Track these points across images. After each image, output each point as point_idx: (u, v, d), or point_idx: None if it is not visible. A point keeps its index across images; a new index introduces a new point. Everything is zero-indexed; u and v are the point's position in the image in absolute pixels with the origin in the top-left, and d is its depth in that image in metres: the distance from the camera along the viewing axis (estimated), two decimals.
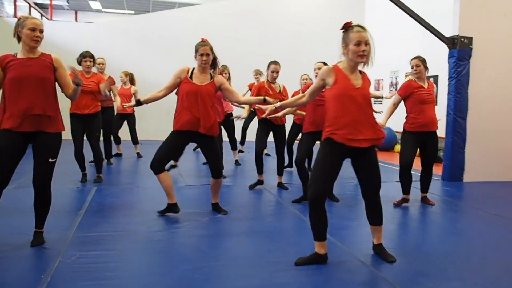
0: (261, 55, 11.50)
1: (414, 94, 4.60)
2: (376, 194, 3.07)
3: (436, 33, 6.29)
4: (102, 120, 5.79)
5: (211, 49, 4.02)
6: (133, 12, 20.73)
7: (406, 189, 4.76)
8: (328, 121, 2.95)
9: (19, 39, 3.16)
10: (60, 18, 20.04)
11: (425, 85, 4.67)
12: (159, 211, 4.15)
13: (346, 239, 3.58)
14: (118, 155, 7.83)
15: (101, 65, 6.62)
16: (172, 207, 4.10)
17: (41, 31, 3.15)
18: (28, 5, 13.27)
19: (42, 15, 14.73)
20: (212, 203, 4.34)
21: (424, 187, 4.90)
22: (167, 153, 4.01)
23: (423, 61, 4.66)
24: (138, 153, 7.92)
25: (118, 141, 7.71)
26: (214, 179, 4.18)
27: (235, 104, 5.52)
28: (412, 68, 4.69)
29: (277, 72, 5.38)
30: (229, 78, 6.33)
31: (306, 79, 6.38)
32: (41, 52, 3.21)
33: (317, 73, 4.60)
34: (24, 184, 4.78)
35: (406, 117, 4.75)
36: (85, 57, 5.44)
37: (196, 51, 3.99)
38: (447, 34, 6.35)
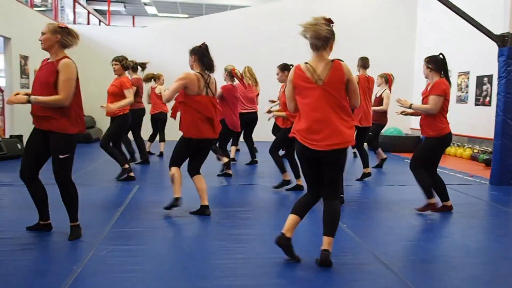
0: (309, 56, 11.53)
1: None
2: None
3: (485, 30, 5.99)
4: (132, 121, 6.11)
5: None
6: (187, 15, 21.35)
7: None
8: None
9: None
10: (118, 23, 21.10)
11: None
12: (191, 212, 4.28)
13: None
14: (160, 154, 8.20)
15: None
16: (204, 209, 4.24)
17: (43, 33, 3.35)
18: (87, 11, 14.03)
19: (100, 21, 15.53)
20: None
21: None
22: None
23: (429, 61, 4.43)
24: (161, 152, 8.20)
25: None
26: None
27: None
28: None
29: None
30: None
31: None
32: (62, 56, 3.36)
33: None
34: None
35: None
36: (112, 60, 5.80)
37: None
38: (497, 31, 6.03)
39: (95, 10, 20.27)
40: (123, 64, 5.82)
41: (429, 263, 3.14)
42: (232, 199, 5.00)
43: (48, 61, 3.41)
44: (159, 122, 7.93)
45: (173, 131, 6.04)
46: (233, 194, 5.27)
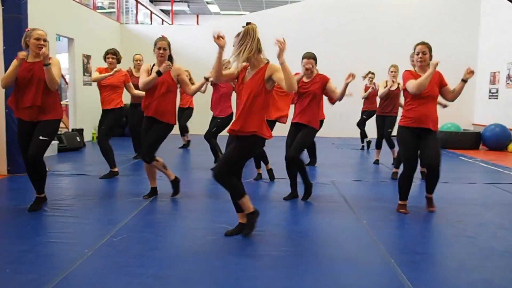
0: (366, 49, 11.27)
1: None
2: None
3: None
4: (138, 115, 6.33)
5: (168, 44, 4.37)
6: (248, 12, 21.59)
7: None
8: None
9: (27, 46, 3.93)
10: (183, 22, 21.84)
11: None
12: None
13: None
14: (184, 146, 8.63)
15: (138, 61, 7.06)
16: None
17: (45, 40, 3.90)
18: (149, 12, 14.69)
19: (163, 20, 16.19)
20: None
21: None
22: None
23: (430, 48, 4.09)
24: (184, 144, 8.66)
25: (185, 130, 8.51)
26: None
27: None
28: (418, 54, 4.08)
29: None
30: None
31: (394, 71, 6.35)
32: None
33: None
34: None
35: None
36: (108, 53, 5.80)
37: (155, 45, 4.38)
38: None
39: (161, 10, 21.17)
40: (118, 58, 5.91)
41: (439, 263, 2.97)
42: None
43: (34, 61, 3.93)
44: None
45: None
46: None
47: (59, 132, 8.28)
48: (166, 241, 3.37)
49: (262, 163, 5.69)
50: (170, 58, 4.42)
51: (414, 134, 4.12)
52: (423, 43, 4.13)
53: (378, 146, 6.93)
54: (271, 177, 5.64)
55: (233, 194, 3.31)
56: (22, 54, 3.85)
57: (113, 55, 5.79)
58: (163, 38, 4.43)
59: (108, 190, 5.07)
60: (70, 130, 8.84)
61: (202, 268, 2.84)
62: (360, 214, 4.10)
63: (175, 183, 4.63)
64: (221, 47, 3.18)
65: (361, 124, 8.43)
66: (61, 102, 10.85)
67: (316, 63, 4.61)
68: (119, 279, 2.61)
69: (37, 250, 3.08)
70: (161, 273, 2.72)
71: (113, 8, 14.61)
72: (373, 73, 7.93)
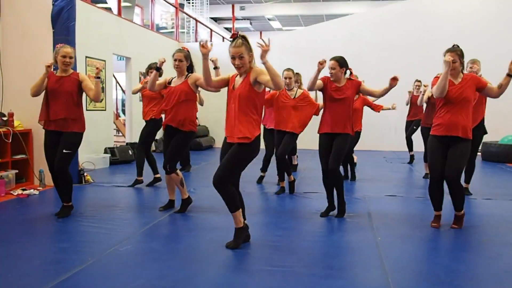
0: (418, 60, 10.77)
1: None
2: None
3: None
4: None
5: (185, 56, 4.45)
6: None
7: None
8: None
9: (56, 62, 4.27)
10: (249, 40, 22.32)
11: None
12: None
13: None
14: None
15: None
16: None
17: (71, 57, 4.26)
18: (209, 30, 15.23)
19: (223, 38, 16.68)
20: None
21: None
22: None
23: (461, 55, 3.85)
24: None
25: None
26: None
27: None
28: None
29: (289, 79, 5.42)
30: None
31: (418, 85, 6.08)
32: (72, 71, 4.38)
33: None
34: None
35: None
36: (151, 68, 5.99)
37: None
38: None
39: (225, 28, 21.86)
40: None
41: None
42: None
43: (62, 75, 4.34)
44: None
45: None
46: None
47: (113, 146, 8.85)
48: (171, 252, 3.41)
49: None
50: (191, 68, 4.52)
51: (442, 143, 3.88)
52: (451, 50, 3.91)
53: (426, 159, 6.54)
54: (291, 189, 5.52)
55: (229, 204, 3.30)
56: (49, 62, 4.22)
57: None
58: (180, 50, 4.55)
59: (138, 200, 5.28)
60: (125, 142, 9.38)
61: (196, 280, 2.85)
62: (378, 230, 3.89)
63: (186, 202, 4.64)
64: (204, 55, 3.24)
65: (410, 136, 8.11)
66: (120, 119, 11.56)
67: (341, 66, 4.33)
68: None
69: (44, 256, 3.27)
70: (151, 284, 2.76)
71: (182, 29, 15.32)
72: (419, 81, 7.64)
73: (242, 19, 20.63)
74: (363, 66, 10.88)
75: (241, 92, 3.27)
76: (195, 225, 4.18)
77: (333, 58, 4.36)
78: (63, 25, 5.96)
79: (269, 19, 20.58)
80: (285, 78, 5.39)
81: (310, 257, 3.26)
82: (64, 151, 4.19)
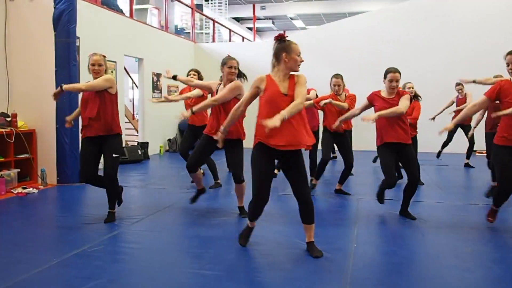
0: (440, 58, 10.40)
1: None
2: (304, 192, 3.18)
3: None
4: None
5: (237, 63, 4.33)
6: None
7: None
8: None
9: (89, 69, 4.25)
10: (269, 39, 22.30)
11: None
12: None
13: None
14: None
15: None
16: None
17: (99, 65, 4.19)
18: (229, 30, 15.26)
19: (243, 38, 16.68)
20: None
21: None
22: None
23: None
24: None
25: None
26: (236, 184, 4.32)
27: None
28: (508, 65, 3.72)
29: (339, 86, 5.38)
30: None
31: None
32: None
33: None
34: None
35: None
36: (190, 71, 6.10)
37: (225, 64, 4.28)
38: None
39: (248, 28, 21.86)
40: (200, 76, 6.21)
41: None
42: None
43: None
44: None
45: None
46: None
47: (124, 145, 8.98)
48: (137, 254, 3.41)
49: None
50: (241, 75, 4.40)
51: None
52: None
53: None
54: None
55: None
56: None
57: (195, 73, 6.18)
58: (232, 58, 4.37)
59: (131, 201, 5.33)
60: (137, 142, 9.52)
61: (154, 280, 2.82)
62: (358, 236, 3.75)
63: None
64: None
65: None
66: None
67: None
68: None
69: (9, 255, 3.32)
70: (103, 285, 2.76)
71: (200, 30, 15.44)
72: (461, 84, 7.64)
73: (264, 19, 20.56)
74: (377, 65, 10.64)
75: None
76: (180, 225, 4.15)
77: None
78: (64, 27, 6.09)
79: (291, 18, 20.43)
80: (334, 85, 5.41)
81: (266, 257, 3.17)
82: (113, 155, 4.14)
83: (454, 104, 7.90)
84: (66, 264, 3.09)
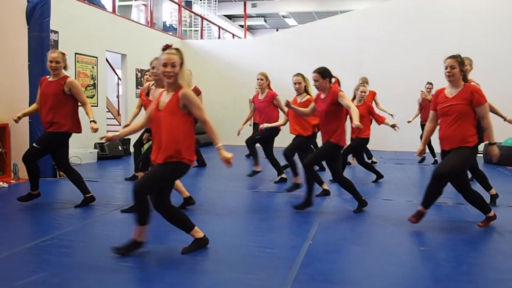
0: (425, 56, 10.38)
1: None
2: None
3: None
4: None
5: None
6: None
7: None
8: None
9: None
10: (263, 37, 22.27)
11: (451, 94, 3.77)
12: None
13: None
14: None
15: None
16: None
17: (57, 62, 4.48)
18: (218, 27, 15.21)
19: (233, 35, 16.63)
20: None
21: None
22: None
23: (461, 62, 3.69)
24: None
25: None
26: None
27: None
28: (446, 69, 3.75)
29: (299, 84, 5.35)
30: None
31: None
32: (63, 75, 4.56)
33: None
34: None
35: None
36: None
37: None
38: None
39: (240, 26, 21.81)
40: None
41: None
42: None
43: (52, 80, 4.56)
44: None
45: None
46: None
47: (102, 142, 8.94)
48: (90, 249, 3.38)
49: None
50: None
51: None
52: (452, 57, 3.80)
53: None
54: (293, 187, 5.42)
55: (140, 216, 3.07)
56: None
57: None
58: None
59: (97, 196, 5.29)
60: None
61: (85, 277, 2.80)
62: (317, 233, 3.74)
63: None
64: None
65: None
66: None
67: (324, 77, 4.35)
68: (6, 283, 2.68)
69: None
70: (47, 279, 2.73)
71: (190, 27, 15.38)
72: (431, 83, 7.88)
73: (256, 17, 20.52)
74: (364, 63, 10.64)
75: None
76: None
77: (316, 71, 4.38)
78: (37, 21, 6.05)
79: (283, 16, 20.38)
80: (294, 83, 5.38)
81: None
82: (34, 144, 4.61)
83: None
84: (13, 258, 3.06)
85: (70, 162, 7.18)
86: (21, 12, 6.07)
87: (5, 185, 5.70)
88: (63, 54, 4.57)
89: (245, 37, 18.20)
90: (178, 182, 4.28)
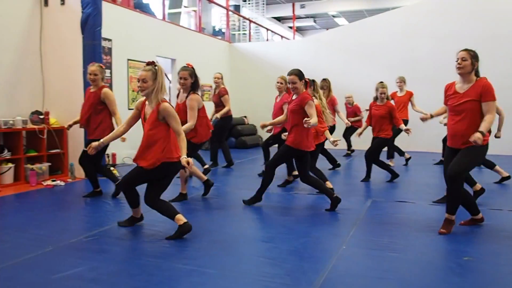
0: (486, 53, 9.84)
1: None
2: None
3: None
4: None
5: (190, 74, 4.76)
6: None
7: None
8: None
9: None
10: (309, 37, 22.17)
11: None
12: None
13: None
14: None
15: (216, 79, 7.48)
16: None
17: (95, 74, 4.98)
18: (265, 30, 15.34)
19: (282, 37, 16.69)
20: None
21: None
22: None
23: (474, 56, 3.63)
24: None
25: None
26: None
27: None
28: (457, 61, 3.72)
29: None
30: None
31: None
32: (101, 85, 5.07)
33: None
34: None
35: None
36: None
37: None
38: None
39: (290, 27, 21.82)
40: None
41: None
42: None
43: (91, 90, 5.10)
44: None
45: None
46: None
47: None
48: (124, 245, 3.58)
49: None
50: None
51: None
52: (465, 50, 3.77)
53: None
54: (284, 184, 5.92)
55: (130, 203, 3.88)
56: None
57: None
58: (185, 68, 4.78)
59: None
60: None
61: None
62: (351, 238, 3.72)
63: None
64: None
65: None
66: None
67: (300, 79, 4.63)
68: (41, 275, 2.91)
69: (10, 239, 3.60)
70: (87, 273, 2.94)
71: (238, 30, 15.64)
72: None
73: (305, 17, 20.45)
74: (415, 61, 10.32)
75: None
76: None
77: (292, 72, 4.62)
78: (90, 30, 6.44)
79: (333, 16, 20.17)
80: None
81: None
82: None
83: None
84: (57, 252, 3.32)
85: (123, 162, 7.74)
86: (76, 22, 6.49)
87: (62, 183, 6.12)
88: (101, 66, 5.06)
89: (293, 38, 18.19)
90: (195, 168, 5.06)
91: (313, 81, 5.84)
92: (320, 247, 3.51)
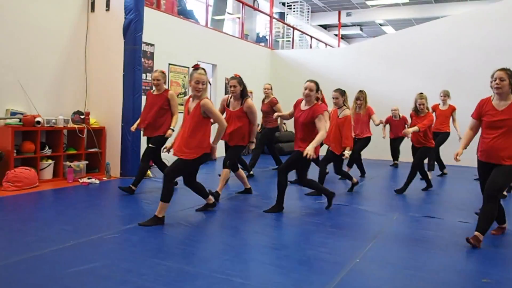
0: None
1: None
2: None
3: None
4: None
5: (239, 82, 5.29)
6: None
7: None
8: None
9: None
10: (352, 46, 21.87)
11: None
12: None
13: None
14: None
15: (265, 90, 7.59)
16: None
17: (158, 80, 5.53)
18: (310, 37, 15.29)
19: (326, 44, 16.58)
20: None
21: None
22: None
23: (511, 75, 3.67)
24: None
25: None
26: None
27: None
28: (495, 81, 3.77)
29: (336, 99, 5.97)
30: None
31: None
32: (165, 89, 5.65)
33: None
34: None
35: None
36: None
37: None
38: None
39: (335, 35, 21.63)
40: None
41: None
42: None
43: (157, 94, 5.65)
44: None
45: None
46: None
47: None
48: (146, 242, 3.69)
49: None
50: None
51: None
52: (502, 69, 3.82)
53: None
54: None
55: (165, 194, 4.16)
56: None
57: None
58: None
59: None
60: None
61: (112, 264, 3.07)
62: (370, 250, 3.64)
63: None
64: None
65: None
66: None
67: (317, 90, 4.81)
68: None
69: (36, 233, 3.81)
70: (112, 267, 3.07)
71: (282, 37, 15.72)
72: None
73: (352, 26, 20.19)
74: (459, 73, 9.95)
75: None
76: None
77: (311, 81, 4.82)
78: (131, 35, 6.71)
79: (380, 25, 19.78)
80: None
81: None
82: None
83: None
84: (76, 247, 3.47)
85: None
86: (119, 28, 6.77)
87: (97, 181, 6.40)
88: (163, 72, 5.60)
89: (338, 46, 18.00)
90: (242, 174, 5.74)
91: (344, 91, 5.91)
92: (332, 259, 3.45)
